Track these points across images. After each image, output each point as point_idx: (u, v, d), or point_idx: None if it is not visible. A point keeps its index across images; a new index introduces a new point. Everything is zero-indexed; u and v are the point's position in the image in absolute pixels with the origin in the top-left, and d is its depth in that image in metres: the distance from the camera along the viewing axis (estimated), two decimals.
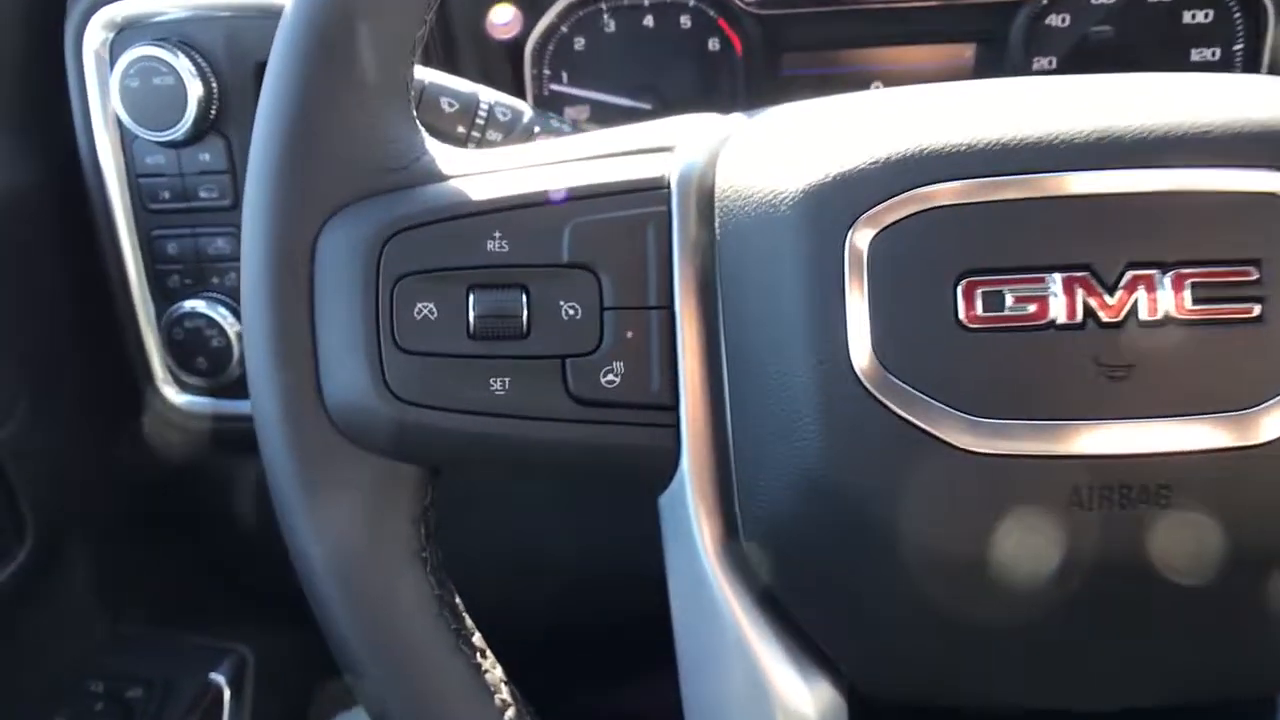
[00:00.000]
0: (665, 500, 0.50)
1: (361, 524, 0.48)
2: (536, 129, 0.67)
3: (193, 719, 0.93)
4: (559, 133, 0.69)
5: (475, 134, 0.66)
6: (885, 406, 0.44)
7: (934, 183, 0.44)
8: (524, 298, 0.48)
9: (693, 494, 0.49)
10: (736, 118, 0.53)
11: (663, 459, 0.49)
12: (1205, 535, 0.43)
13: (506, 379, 0.47)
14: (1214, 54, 0.97)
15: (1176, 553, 0.43)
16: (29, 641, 0.91)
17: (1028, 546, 0.44)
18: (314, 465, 0.48)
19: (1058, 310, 0.43)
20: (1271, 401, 0.42)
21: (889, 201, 0.44)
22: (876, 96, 0.51)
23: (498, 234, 0.48)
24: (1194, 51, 0.97)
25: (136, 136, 0.84)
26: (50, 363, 0.86)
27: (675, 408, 0.48)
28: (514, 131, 0.67)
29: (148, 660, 0.99)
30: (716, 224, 0.48)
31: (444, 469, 0.51)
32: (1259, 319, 0.43)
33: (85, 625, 0.97)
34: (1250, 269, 0.43)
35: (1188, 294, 0.43)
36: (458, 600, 0.52)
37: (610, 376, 0.48)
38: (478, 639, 0.52)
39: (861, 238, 0.44)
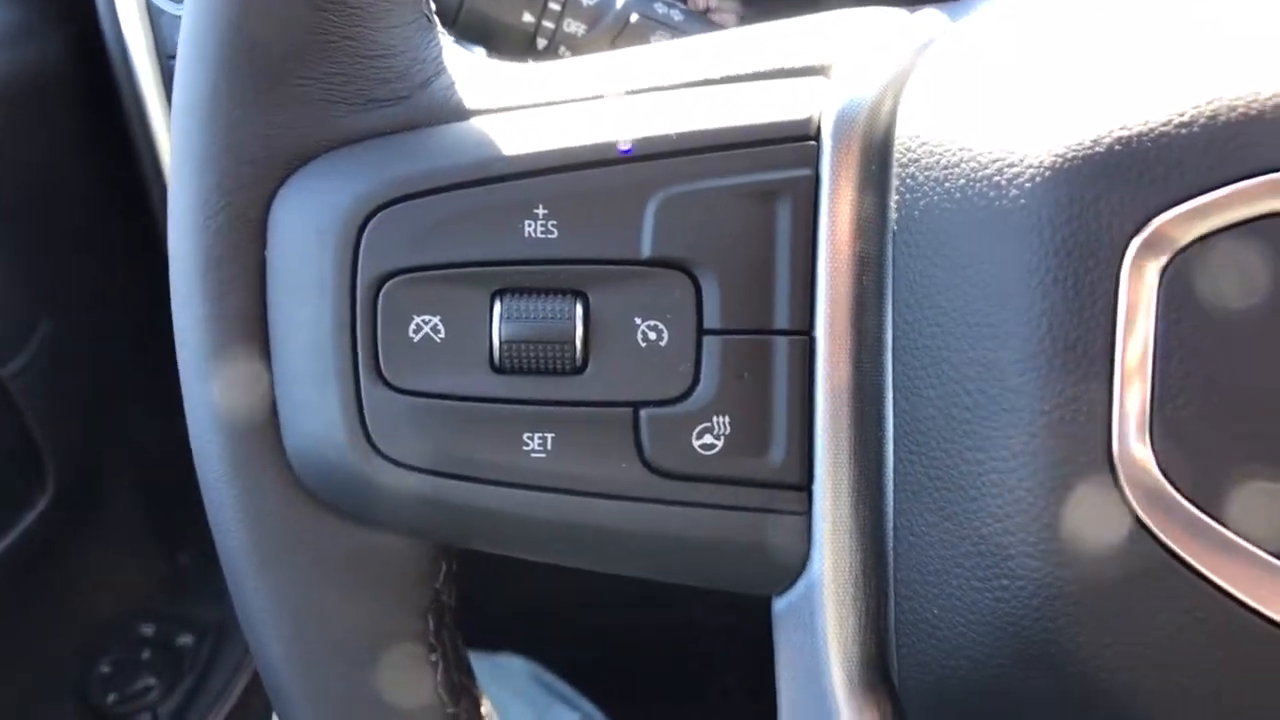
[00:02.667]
0: (783, 609, 0.34)
1: (343, 619, 0.34)
2: (634, 17, 0.49)
3: (244, 675, 0.84)
4: (670, 26, 0.50)
5: (547, 24, 0.48)
6: (1165, 546, 0.26)
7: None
8: (579, 311, 0.31)
9: (826, 618, 0.32)
10: (933, 15, 0.34)
11: (784, 559, 0.32)
12: None
13: (549, 435, 0.31)
14: None
15: None
16: (72, 586, 0.83)
17: None
18: (271, 535, 0.33)
19: None
20: None
21: (1208, 197, 0.25)
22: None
23: (541, 210, 0.31)
24: None
25: (164, 11, 0.69)
26: (73, 285, 0.74)
27: (808, 488, 0.31)
28: (603, 21, 0.48)
29: (204, 601, 0.90)
30: (893, 204, 0.30)
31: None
32: None
33: (138, 563, 0.88)
34: None
35: None
36: (484, 710, 0.37)
37: (709, 438, 0.31)
38: None
39: (1155, 252, 0.26)
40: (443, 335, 0.31)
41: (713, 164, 0.31)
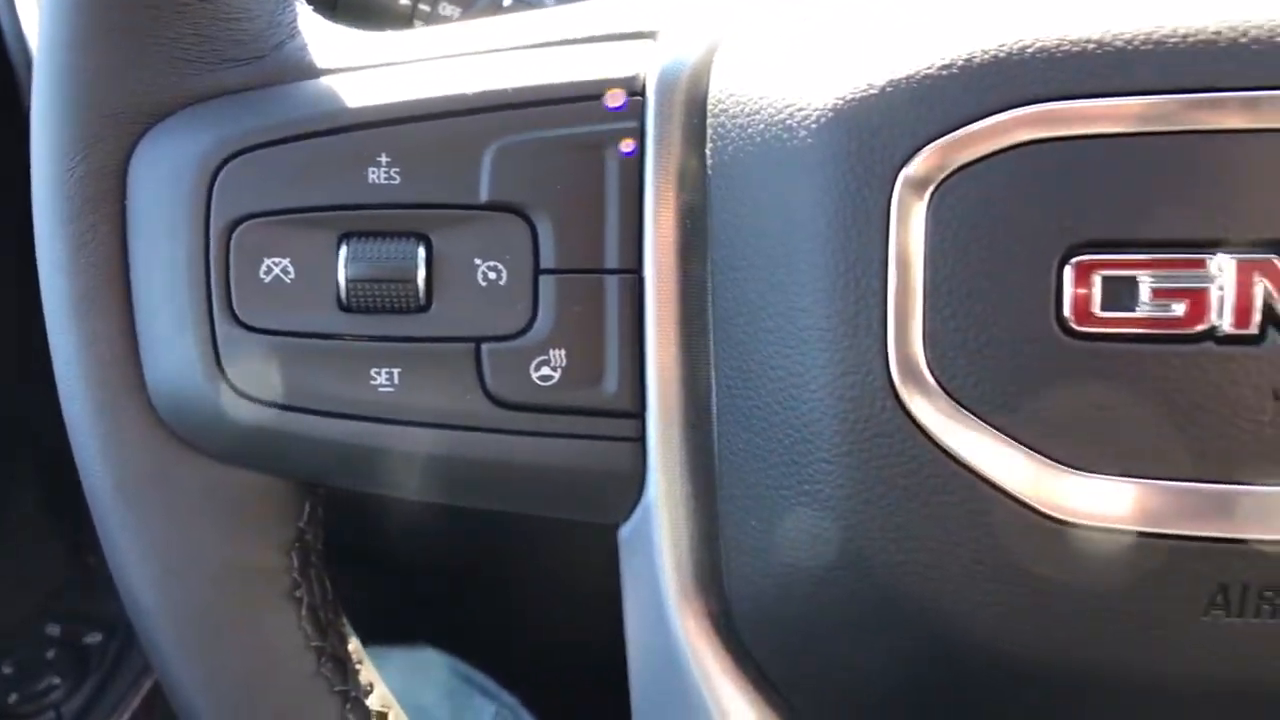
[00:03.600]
0: (626, 536, 0.36)
1: (203, 553, 0.35)
2: (507, 1, 0.52)
3: (151, 675, 0.84)
4: (540, 6, 0.53)
5: (424, 7, 0.50)
6: (937, 444, 0.29)
7: (1036, 101, 0.28)
8: (421, 252, 0.33)
9: (662, 537, 0.34)
10: None
11: (621, 485, 0.35)
12: None
13: (394, 370, 0.33)
14: None
15: None
16: None
17: (1131, 662, 0.29)
18: (134, 473, 0.35)
19: (1221, 313, 0.27)
20: None
21: (964, 131, 0.28)
22: None
23: (384, 158, 0.33)
24: None
25: None
26: None
27: (640, 415, 0.34)
28: (477, 4, 0.51)
29: (114, 599, 0.90)
30: (709, 152, 0.33)
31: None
32: None
33: (43, 565, 0.88)
34: None
35: None
36: (351, 647, 0.39)
37: (546, 370, 0.34)
38: (376, 699, 0.39)
39: (919, 185, 0.29)
40: (292, 276, 0.33)
41: (546, 116, 0.33)
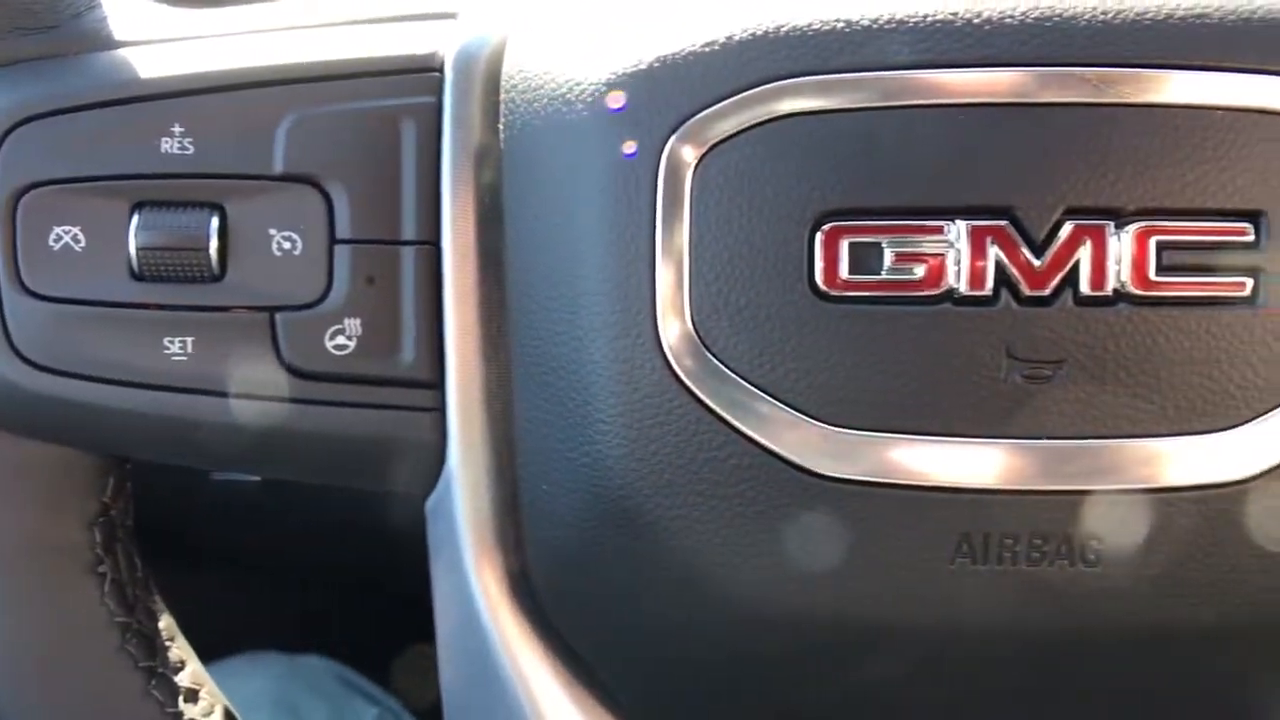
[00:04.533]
0: (431, 506, 0.37)
1: (0, 529, 0.35)
2: None
3: None
4: None
5: None
6: (702, 403, 0.30)
7: (788, 76, 0.29)
8: (215, 222, 0.33)
9: (462, 505, 0.35)
10: None
11: (422, 454, 0.35)
12: (1150, 611, 0.30)
13: (188, 339, 0.34)
14: None
15: (1104, 633, 0.30)
16: None
17: (891, 608, 0.31)
18: None
19: (958, 275, 0.29)
20: (1260, 420, 0.29)
21: (724, 104, 0.30)
22: None
23: (178, 128, 0.33)
24: None
25: None
26: None
27: (439, 385, 0.35)
28: None
29: None
30: (501, 127, 0.34)
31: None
32: (1251, 299, 0.29)
33: None
34: (1244, 225, 0.29)
35: (1152, 259, 0.29)
36: (162, 624, 0.39)
37: (341, 339, 0.34)
38: (186, 675, 0.39)
39: (683, 155, 0.30)
40: (83, 244, 0.33)
41: (342, 90, 0.34)
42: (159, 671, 0.38)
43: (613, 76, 0.31)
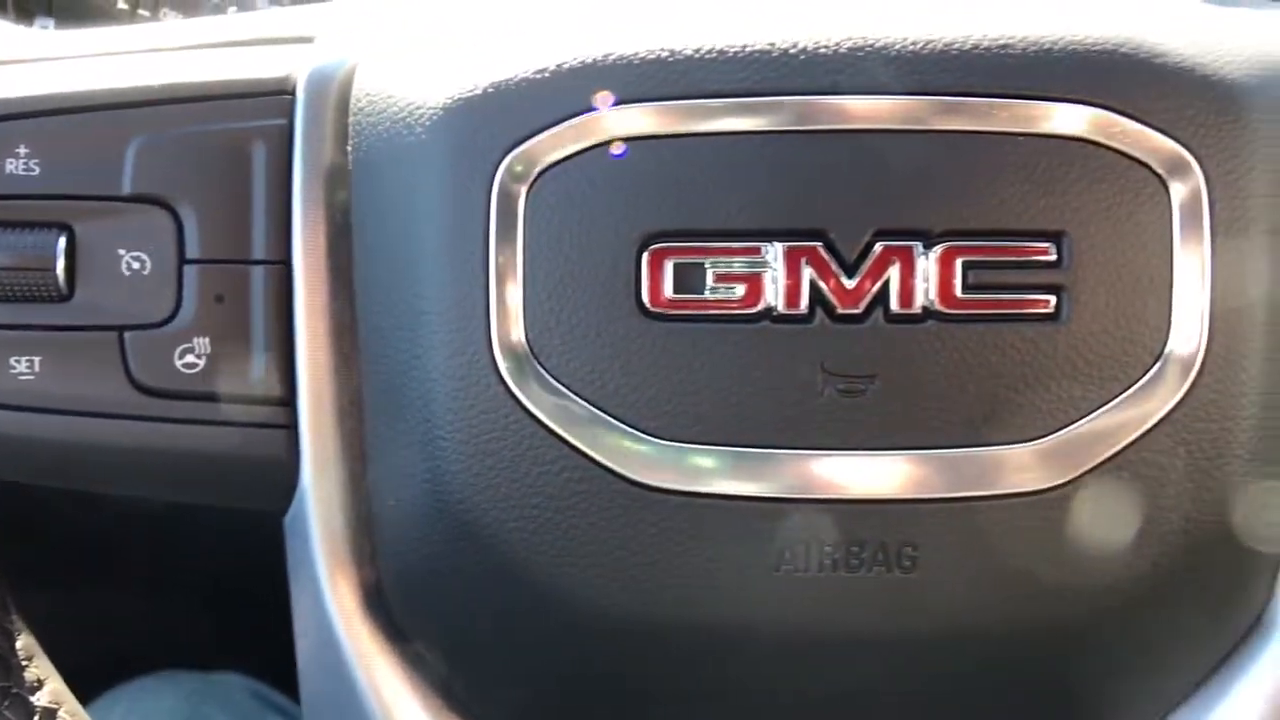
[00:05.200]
0: (288, 523, 0.37)
1: None
2: (233, 7, 0.52)
3: None
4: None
5: (144, 12, 0.50)
6: (535, 418, 0.31)
7: (616, 105, 0.31)
8: (62, 242, 0.34)
9: (316, 520, 0.36)
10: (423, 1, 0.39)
11: (275, 471, 0.36)
12: (966, 614, 0.32)
13: (35, 358, 0.34)
14: None
15: (922, 634, 0.32)
16: None
17: (720, 616, 0.32)
18: None
19: (775, 295, 0.30)
20: (1066, 431, 0.30)
21: (556, 129, 0.31)
22: None
23: (23, 149, 0.34)
24: None
25: None
26: None
27: (290, 403, 0.35)
28: (201, 8, 0.52)
29: None
30: (350, 149, 0.35)
31: None
32: (1054, 316, 0.30)
33: None
34: (1047, 245, 0.30)
35: (958, 278, 0.30)
36: (19, 644, 0.39)
37: (190, 357, 0.35)
38: (44, 695, 0.39)
39: (518, 177, 0.31)
40: None
41: (192, 112, 0.35)
42: (13, 691, 0.38)
43: (449, 101, 0.32)
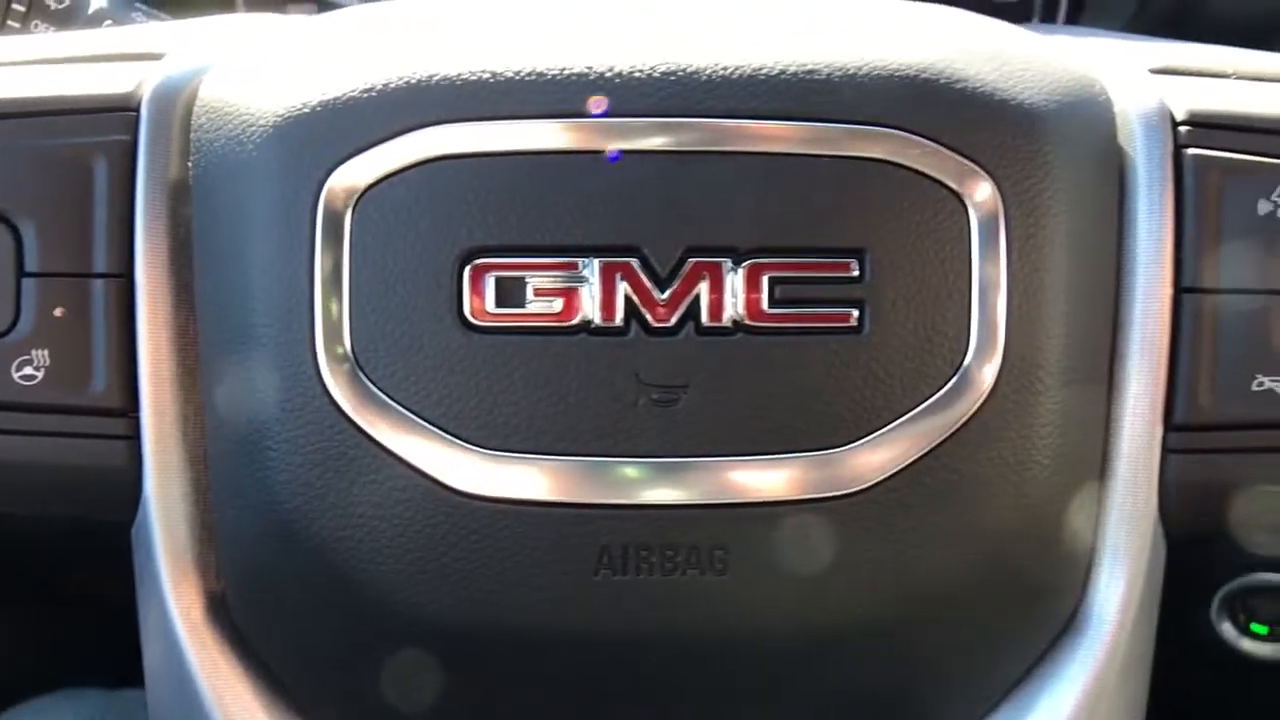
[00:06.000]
0: (134, 534, 0.37)
1: None
2: (109, 21, 0.53)
3: None
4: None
5: (14, 24, 0.51)
6: (359, 429, 0.32)
7: (440, 123, 0.32)
8: None
9: (159, 530, 0.36)
10: (269, 18, 0.40)
11: (117, 482, 0.36)
12: (778, 614, 0.33)
13: None
14: None
15: (737, 634, 0.33)
16: None
17: (545, 620, 0.33)
18: None
19: (592, 308, 0.31)
20: (869, 439, 0.32)
21: (382, 146, 0.32)
22: (458, 2, 0.38)
23: None
24: None
25: None
26: None
27: (132, 414, 0.36)
28: (74, 21, 0.52)
29: None
30: (191, 163, 0.35)
31: None
32: (857, 329, 0.32)
33: None
34: (849, 261, 0.32)
35: (765, 293, 0.32)
36: None
37: (29, 369, 0.35)
38: None
39: (344, 193, 0.32)
40: None
41: (33, 127, 0.35)
42: None
43: (279, 119, 0.33)
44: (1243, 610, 0.76)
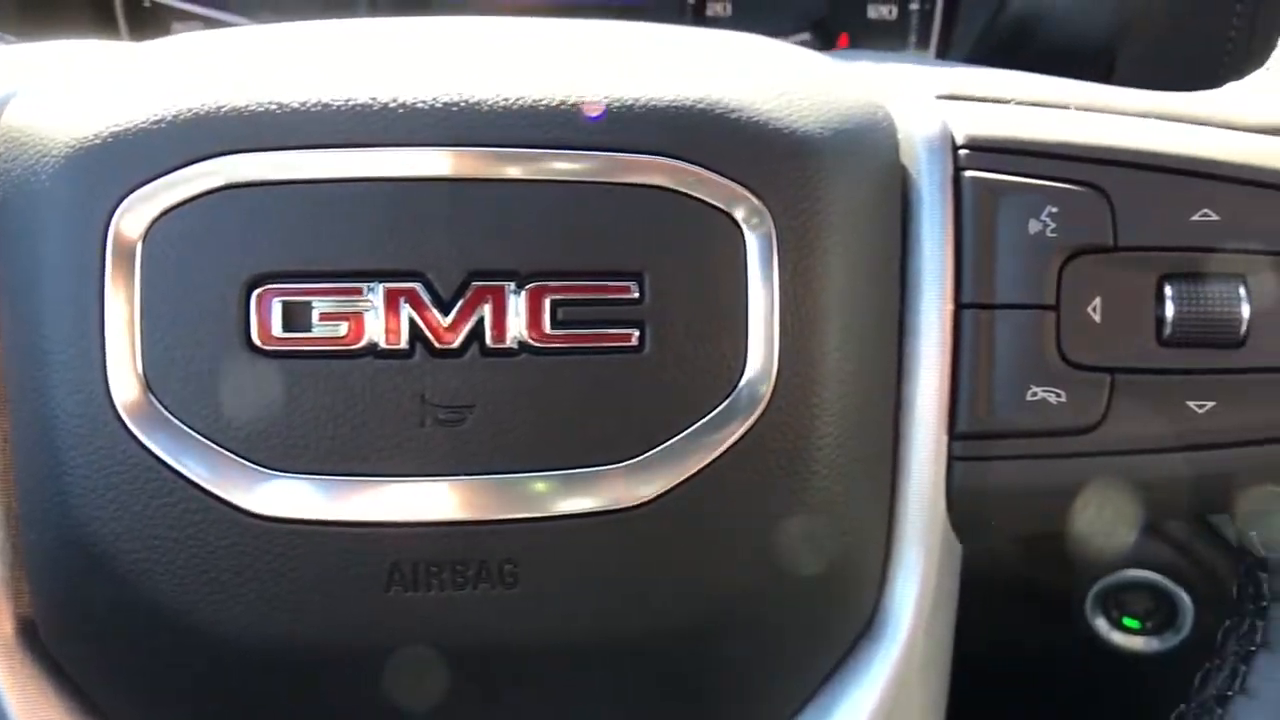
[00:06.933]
0: None
1: None
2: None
3: None
4: None
5: None
6: (151, 452, 0.32)
7: (227, 153, 0.32)
8: None
9: None
10: (94, 44, 0.41)
11: None
12: (570, 623, 0.34)
13: None
14: (890, 11, 0.90)
15: (528, 645, 0.34)
16: None
17: (339, 638, 0.33)
18: None
19: (377, 332, 0.32)
20: (651, 453, 0.33)
21: (170, 175, 0.32)
22: (260, 32, 0.39)
23: None
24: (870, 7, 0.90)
25: None
26: None
27: None
28: None
29: None
30: None
31: None
32: (638, 348, 0.33)
33: None
34: (629, 284, 0.33)
35: (547, 315, 0.33)
36: None
37: None
38: None
39: (133, 222, 0.32)
40: None
41: None
42: None
43: (70, 146, 0.33)
44: (1115, 606, 0.79)
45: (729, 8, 0.87)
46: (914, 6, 0.90)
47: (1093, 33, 0.60)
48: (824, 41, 0.85)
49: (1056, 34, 0.60)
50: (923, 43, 0.88)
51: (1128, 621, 0.79)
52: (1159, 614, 0.77)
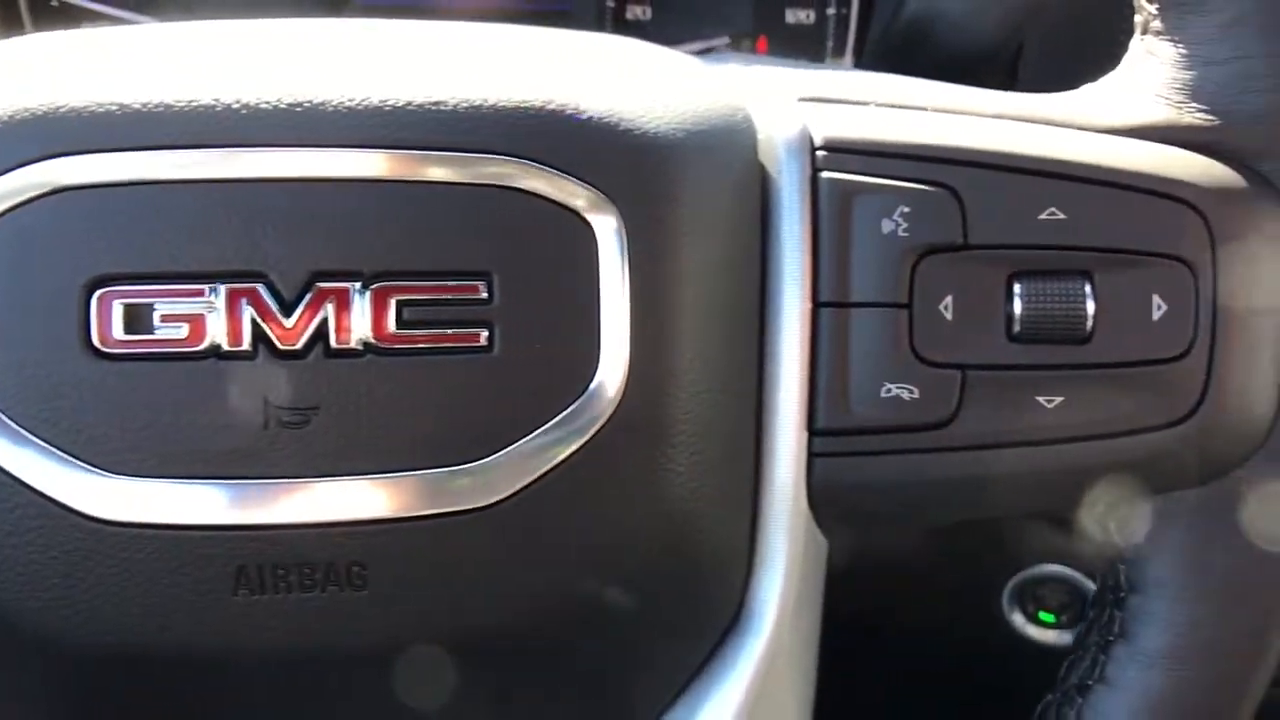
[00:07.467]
0: None
1: None
2: None
3: None
4: None
5: None
6: None
7: (64, 154, 0.32)
8: None
9: None
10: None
11: None
12: (418, 625, 0.34)
13: None
14: (808, 16, 0.91)
15: (379, 646, 0.34)
16: None
17: (186, 642, 0.33)
18: None
19: (219, 333, 0.32)
20: (501, 453, 0.33)
21: (6, 176, 0.32)
22: (118, 32, 0.39)
23: None
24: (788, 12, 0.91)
25: None
26: None
27: None
28: None
29: None
30: None
31: None
32: (487, 348, 0.33)
33: None
34: (477, 284, 0.33)
35: (392, 315, 0.33)
36: None
37: None
38: None
39: None
40: None
41: None
42: None
43: None
44: (1032, 600, 0.80)
45: (649, 11, 0.88)
46: (830, 11, 0.91)
47: (985, 35, 0.61)
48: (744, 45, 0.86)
49: (951, 37, 0.61)
50: (839, 47, 0.90)
51: (1043, 615, 0.80)
52: (1073, 607, 0.78)
